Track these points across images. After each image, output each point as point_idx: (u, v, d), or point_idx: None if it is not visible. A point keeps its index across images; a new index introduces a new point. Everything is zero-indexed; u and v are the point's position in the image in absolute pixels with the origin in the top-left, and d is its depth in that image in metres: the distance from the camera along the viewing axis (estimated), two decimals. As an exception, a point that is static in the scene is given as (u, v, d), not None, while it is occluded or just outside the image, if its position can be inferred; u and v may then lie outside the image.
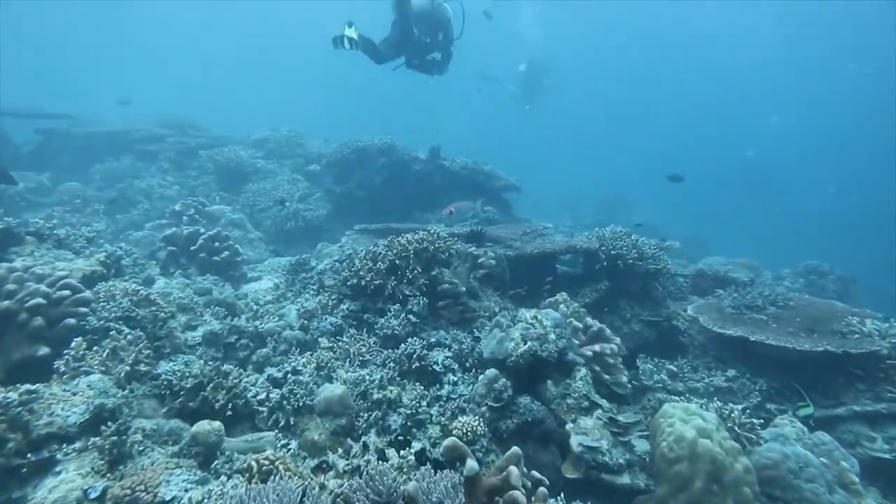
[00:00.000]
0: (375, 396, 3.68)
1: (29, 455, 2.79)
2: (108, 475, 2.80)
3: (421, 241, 4.84)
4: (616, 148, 50.12)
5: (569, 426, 3.68)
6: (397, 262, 4.78)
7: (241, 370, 4.04)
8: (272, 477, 2.83)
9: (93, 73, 47.56)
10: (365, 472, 2.73)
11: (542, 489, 2.41)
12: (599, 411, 3.85)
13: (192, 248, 6.32)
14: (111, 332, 3.87)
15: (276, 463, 2.95)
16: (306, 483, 2.84)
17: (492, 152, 17.24)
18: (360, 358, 4.19)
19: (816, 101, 43.89)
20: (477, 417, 3.58)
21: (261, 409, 3.67)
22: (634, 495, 3.43)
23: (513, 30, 31.41)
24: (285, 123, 13.93)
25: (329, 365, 4.06)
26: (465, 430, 3.44)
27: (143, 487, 2.67)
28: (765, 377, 5.01)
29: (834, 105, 43.89)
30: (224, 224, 8.64)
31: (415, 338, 4.33)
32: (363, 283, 4.75)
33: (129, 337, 3.90)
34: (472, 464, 2.44)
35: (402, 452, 3.20)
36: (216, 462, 3.05)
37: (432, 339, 4.43)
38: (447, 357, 4.23)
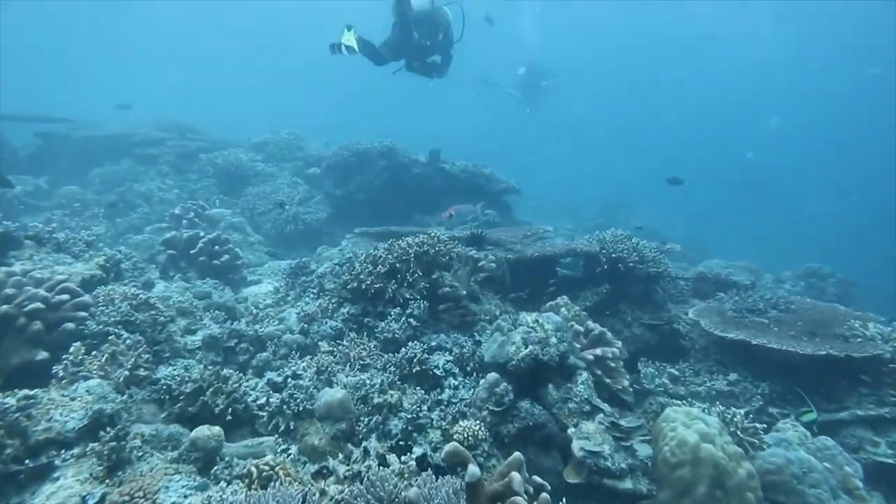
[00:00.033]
0: (376, 401, 3.66)
1: (27, 461, 2.77)
2: (107, 481, 2.78)
3: (421, 244, 4.83)
4: (616, 150, 50.15)
5: (570, 430, 3.66)
6: (398, 265, 4.76)
7: (241, 374, 4.02)
8: (272, 483, 2.81)
9: (92, 76, 47.71)
10: (366, 478, 2.71)
11: (544, 494, 2.39)
12: (601, 415, 3.83)
13: (191, 251, 6.30)
14: (110, 337, 3.86)
15: (277, 468, 2.94)
16: (307, 489, 2.82)
17: (492, 155, 17.29)
18: (361, 362, 4.17)
19: (816, 103, 43.86)
20: (478, 422, 3.56)
21: (261, 413, 3.65)
22: (637, 500, 3.41)
23: (513, 33, 31.42)
24: (285, 126, 13.94)
25: (329, 369, 4.05)
26: (466, 435, 3.42)
27: (141, 494, 2.65)
28: (767, 381, 4.98)
29: (833, 106, 43.84)
30: (224, 227, 8.63)
31: (415, 342, 4.31)
32: (363, 287, 4.73)
33: (128, 341, 3.88)
34: (473, 469, 2.42)
35: (403, 458, 3.17)
36: (216, 468, 3.03)
37: (433, 343, 4.41)
38: (448, 361, 4.22)
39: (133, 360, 3.71)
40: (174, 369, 3.95)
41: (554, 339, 4.10)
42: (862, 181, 41.50)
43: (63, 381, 3.41)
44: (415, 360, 4.05)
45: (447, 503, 2.35)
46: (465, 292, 5.02)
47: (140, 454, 3.02)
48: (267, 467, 2.93)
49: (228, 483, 2.92)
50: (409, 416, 3.56)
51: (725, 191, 35.48)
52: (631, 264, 5.97)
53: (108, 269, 5.16)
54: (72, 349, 3.62)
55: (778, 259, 15.00)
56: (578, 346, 4.54)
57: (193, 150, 12.04)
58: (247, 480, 2.89)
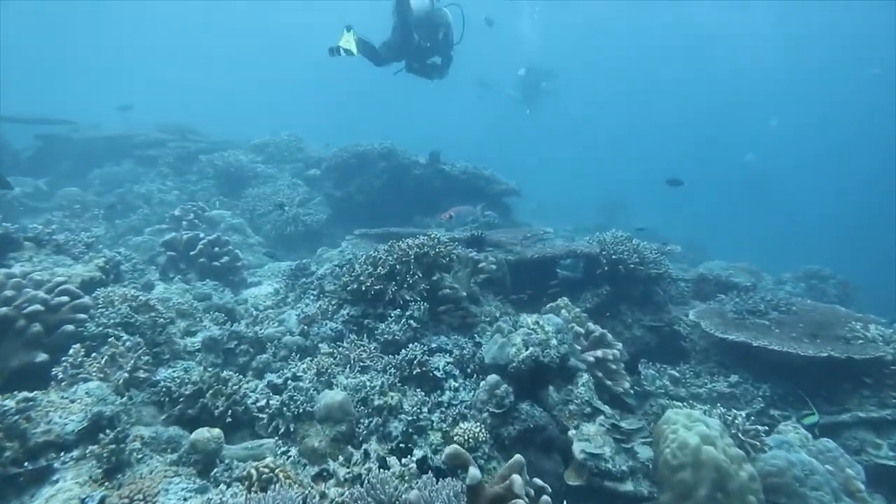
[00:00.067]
0: (376, 403, 3.65)
1: (26, 464, 2.76)
2: (106, 484, 2.77)
3: (422, 245, 4.82)
4: (615, 151, 50.23)
5: (571, 433, 3.65)
6: (398, 266, 4.75)
7: (241, 376, 4.01)
8: (272, 485, 2.81)
9: (93, 78, 47.74)
10: (366, 481, 2.70)
11: (545, 497, 2.38)
12: (602, 417, 3.82)
13: (191, 253, 6.30)
14: (110, 339, 3.85)
15: (277, 471, 2.93)
16: (307, 492, 2.81)
17: (491, 156, 17.28)
18: (361, 364, 4.16)
19: (816, 103, 43.89)
20: (478, 424, 3.55)
21: (261, 415, 3.63)
22: (638, 503, 3.40)
23: (513, 34, 31.45)
24: (285, 128, 13.94)
25: (329, 371, 4.03)
26: (466, 437, 3.42)
27: (141, 497, 2.64)
28: (768, 383, 4.97)
29: (833, 106, 43.88)
30: (224, 229, 8.62)
31: (415, 343, 4.30)
32: (364, 288, 4.72)
33: (127, 343, 3.88)
34: (474, 472, 2.41)
35: (403, 460, 3.17)
36: (215, 470, 3.02)
37: (433, 345, 4.40)
38: (448, 363, 4.21)
39: (133, 362, 3.70)
40: (174, 371, 3.94)
41: (554, 341, 4.09)
42: (862, 182, 41.53)
43: (62, 384, 3.40)
44: (415, 361, 4.04)
45: (448, 506, 2.34)
46: (465, 294, 5.01)
47: (139, 456, 3.01)
48: (267, 470, 2.92)
49: (228, 485, 2.91)
50: (410, 418, 3.55)
51: (725, 192, 35.51)
52: (631, 266, 5.97)
53: (107, 271, 5.15)
54: (71, 351, 3.61)
55: (778, 260, 14.97)
56: (579, 347, 4.53)
57: (193, 151, 12.05)
58: (247, 483, 2.88)
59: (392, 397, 3.70)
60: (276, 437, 3.48)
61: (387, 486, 2.61)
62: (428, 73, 7.55)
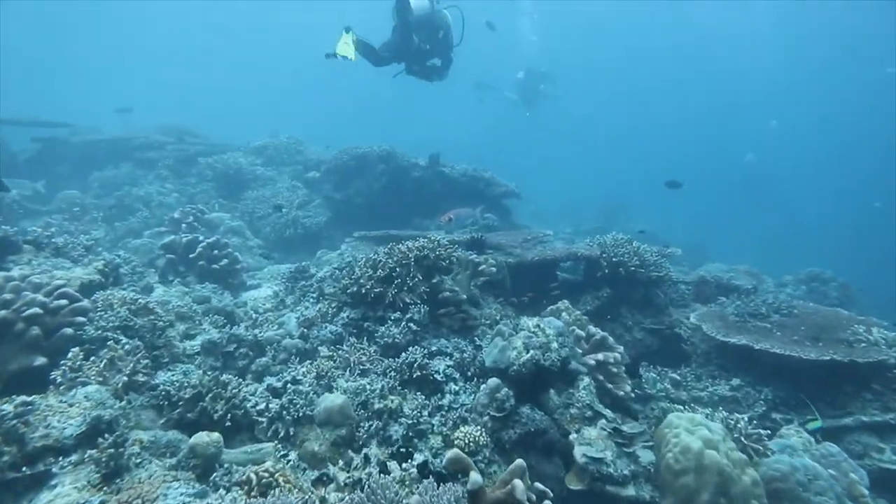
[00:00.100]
0: (376, 406, 3.63)
1: (24, 468, 2.75)
2: (105, 489, 2.75)
3: (422, 248, 4.81)
4: (615, 153, 50.27)
5: (572, 436, 3.63)
6: (398, 269, 4.73)
7: (241, 380, 3.99)
8: (272, 490, 2.79)
9: (93, 79, 47.78)
10: (367, 486, 2.68)
11: (546, 502, 2.37)
12: (603, 421, 3.80)
13: (190, 255, 6.27)
14: (109, 342, 3.82)
15: (276, 475, 2.91)
16: (307, 497, 2.80)
17: (491, 159, 17.27)
18: (361, 367, 4.15)
19: (817, 104, 43.94)
20: (479, 427, 3.54)
21: (260, 419, 3.62)
22: (640, 507, 3.38)
23: (513, 36, 31.49)
24: (285, 130, 13.93)
25: (329, 374, 4.02)
26: (467, 441, 3.40)
27: (139, 502, 2.62)
28: (769, 386, 4.95)
29: (833, 106, 43.91)
30: (223, 231, 8.60)
31: (416, 346, 4.28)
32: (363, 291, 4.70)
33: (126, 347, 3.86)
34: (475, 477, 2.40)
35: (404, 465, 3.15)
36: (215, 475, 3.00)
37: (433, 348, 4.38)
38: (448, 366, 4.19)
39: (132, 365, 3.69)
40: (173, 375, 3.93)
41: (555, 344, 4.08)
42: (862, 183, 41.54)
43: (61, 387, 3.38)
44: (415, 365, 4.03)
45: (449, 511, 2.33)
46: (465, 296, 4.99)
47: (138, 461, 2.99)
48: (266, 474, 2.90)
49: (227, 490, 2.89)
50: (410, 421, 3.54)
51: (725, 193, 35.52)
52: (632, 268, 5.95)
53: (106, 274, 5.13)
54: (70, 355, 3.59)
55: (778, 262, 14.98)
56: (580, 351, 4.51)
57: (193, 153, 12.03)
58: (246, 487, 2.86)
59: (392, 401, 3.68)
60: (276, 441, 3.47)
61: (387, 492, 2.59)
62: (428, 74, 7.54)
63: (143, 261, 6.55)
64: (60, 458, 2.87)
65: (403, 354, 4.14)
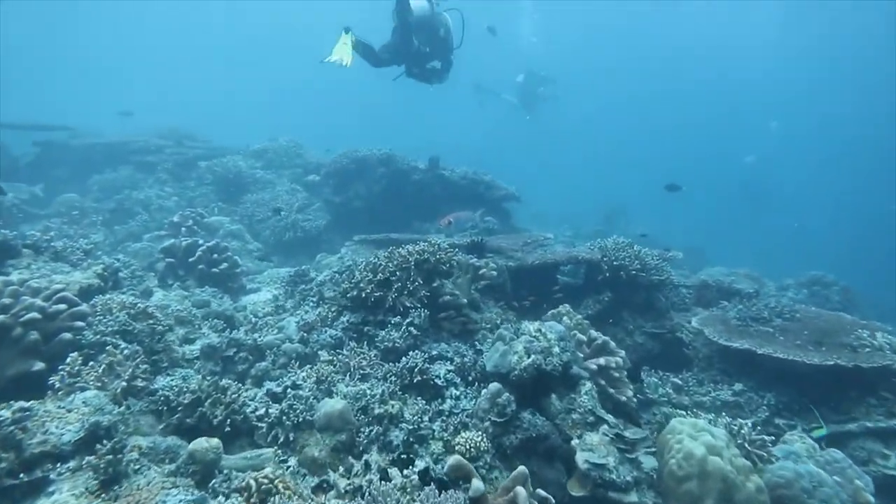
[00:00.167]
0: (377, 411, 3.60)
1: (22, 475, 2.71)
2: (103, 496, 2.72)
3: (422, 252, 4.78)
4: (615, 156, 50.27)
5: (574, 442, 3.60)
6: (398, 273, 4.71)
7: (240, 384, 3.97)
8: (271, 497, 2.76)
9: (92, 83, 47.80)
10: (368, 493, 2.65)
11: (550, 510, 2.34)
12: (605, 427, 3.77)
13: (190, 259, 6.25)
14: (108, 347, 3.80)
15: (276, 482, 2.88)
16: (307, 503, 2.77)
17: (491, 162, 17.26)
18: (361, 371, 4.12)
19: (816, 106, 43.94)
20: (480, 433, 3.51)
21: (260, 424, 3.59)
22: (643, 514, 3.35)
23: (513, 38, 31.53)
24: (284, 133, 13.92)
25: (329, 379, 3.99)
26: (468, 447, 3.37)
27: (138, 509, 2.59)
28: (772, 391, 4.93)
29: (833, 106, 43.91)
30: (223, 235, 8.58)
31: (416, 351, 4.25)
32: (363, 295, 4.68)
33: (125, 351, 3.83)
34: (477, 484, 2.38)
35: (405, 471, 3.11)
36: (214, 481, 2.97)
37: (434, 352, 4.35)
38: (449, 370, 4.16)
39: (131, 370, 3.66)
40: (172, 380, 3.89)
41: (557, 349, 4.05)
42: (862, 185, 41.55)
43: (59, 393, 3.35)
44: (416, 369, 4.00)
45: (451, 519, 2.30)
46: (465, 300, 4.96)
47: (137, 467, 2.96)
48: (266, 480, 2.87)
49: (227, 497, 2.86)
50: (411, 427, 3.51)
51: (724, 197, 35.49)
52: (633, 272, 5.94)
53: (106, 278, 5.11)
54: (69, 360, 3.56)
55: (777, 266, 14.96)
56: (581, 355, 4.49)
57: (192, 157, 12.03)
58: (245, 494, 2.83)
59: (393, 406, 3.65)
60: (276, 447, 3.44)
61: (389, 499, 2.56)
62: (428, 77, 7.53)
63: (143, 265, 6.53)
64: (58, 465, 2.84)
65: (404, 359, 4.10)
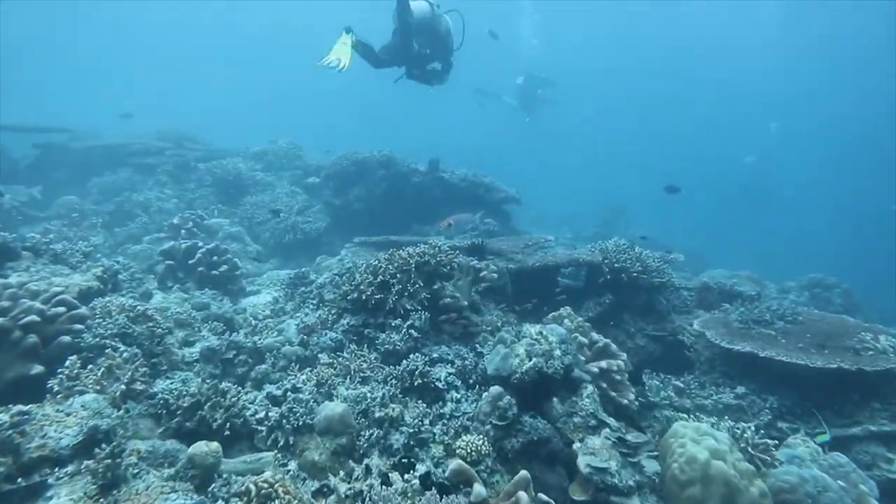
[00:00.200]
0: (377, 414, 3.59)
1: (19, 480, 2.69)
2: (101, 500, 2.70)
3: (422, 254, 4.77)
4: (615, 158, 50.24)
5: (576, 446, 3.58)
6: (398, 275, 4.69)
7: (240, 387, 3.95)
8: (271, 501, 2.74)
9: (92, 85, 47.81)
10: (368, 498, 2.63)
11: (552, 515, 2.32)
12: (607, 430, 3.74)
13: (190, 261, 6.24)
14: (107, 350, 3.78)
15: (276, 486, 2.85)
16: (307, 508, 2.74)
17: (491, 164, 17.25)
18: (361, 374, 4.10)
19: (816, 107, 43.93)
20: (481, 436, 3.49)
21: (259, 428, 3.57)
22: (645, 518, 3.33)
23: (513, 43, 31.53)
24: (284, 135, 13.91)
25: (329, 382, 3.97)
26: (469, 450, 3.36)
27: (137, 514, 2.57)
28: (775, 394, 4.90)
29: (834, 107, 43.89)
30: (222, 237, 8.57)
31: (417, 354, 4.24)
32: (364, 298, 4.66)
33: (125, 354, 3.81)
34: (479, 489, 2.36)
35: (406, 476, 3.09)
36: (213, 485, 2.95)
37: (434, 355, 4.33)
38: (450, 373, 4.14)
39: (130, 373, 3.64)
40: (172, 383, 3.88)
41: (558, 352, 4.03)
42: (862, 186, 41.53)
43: (58, 396, 3.33)
44: (416, 372, 3.98)
45: (453, 525, 2.28)
46: (466, 303, 4.95)
47: (136, 472, 2.94)
48: (266, 485, 2.84)
49: (226, 501, 2.84)
50: (411, 430, 3.50)
51: (724, 198, 35.49)
52: (634, 274, 5.92)
53: (105, 281, 5.09)
54: (67, 363, 3.55)
55: (778, 268, 14.96)
56: (583, 358, 4.47)
57: (191, 159, 12.01)
58: (245, 499, 2.80)
59: (393, 409, 3.64)
60: (276, 451, 3.42)
61: None
62: (428, 79, 7.52)
63: (142, 267, 6.51)
64: (57, 469, 2.82)
65: (404, 362, 4.09)
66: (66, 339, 3.85)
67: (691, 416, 4.42)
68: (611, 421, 3.88)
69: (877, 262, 26.61)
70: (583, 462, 3.42)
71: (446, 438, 3.53)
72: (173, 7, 41.72)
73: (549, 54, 33.95)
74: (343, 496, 2.97)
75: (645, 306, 6.06)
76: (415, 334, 4.44)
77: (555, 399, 3.91)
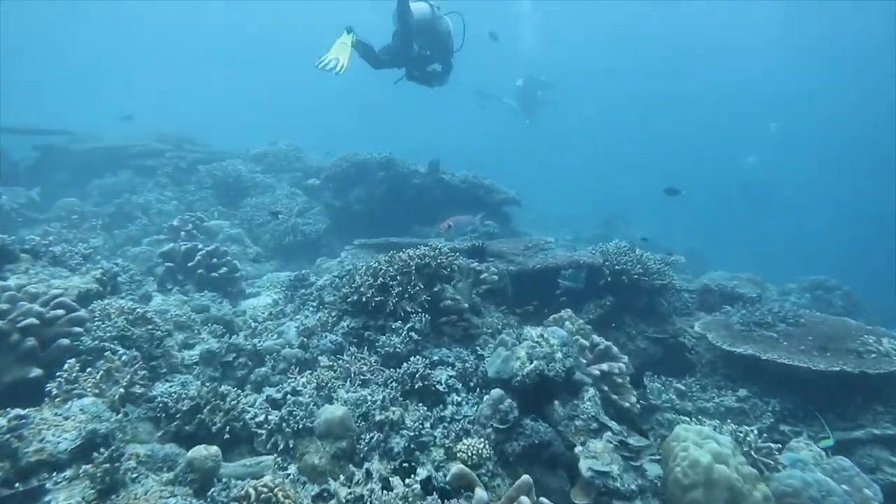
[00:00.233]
0: (377, 418, 3.57)
1: (17, 485, 2.67)
2: (100, 505, 2.68)
3: (423, 256, 4.74)
4: (615, 160, 50.25)
5: (578, 449, 3.56)
6: (399, 277, 4.67)
7: (239, 391, 3.93)
8: (271, 506, 2.72)
9: (92, 87, 47.82)
10: (369, 503, 2.61)
11: (554, 520, 2.30)
12: (609, 434, 3.73)
13: (189, 263, 6.22)
14: (106, 353, 3.76)
15: (276, 490, 2.84)
16: (307, 513, 2.72)
17: (491, 166, 17.25)
18: (361, 377, 4.08)
19: (816, 107, 43.92)
20: (482, 440, 3.47)
21: (259, 431, 3.55)
22: (647, 522, 3.31)
23: (513, 44, 31.52)
24: (284, 137, 13.92)
25: (329, 385, 3.95)
26: (469, 454, 3.34)
27: (135, 519, 2.55)
28: (776, 397, 4.88)
29: (834, 107, 43.88)
30: (222, 239, 8.56)
31: (417, 356, 4.21)
32: (364, 300, 4.63)
33: (124, 357, 3.78)
34: (481, 494, 2.34)
35: (407, 480, 3.07)
36: (213, 489, 2.93)
37: (435, 358, 4.31)
38: (451, 376, 4.11)
39: (129, 376, 3.62)
40: (171, 386, 3.86)
41: (560, 354, 4.01)
42: (863, 188, 41.53)
43: (56, 400, 3.31)
44: (417, 375, 3.96)
45: (454, 530, 2.26)
46: (467, 305, 4.92)
47: (134, 476, 2.92)
48: (266, 489, 2.82)
49: (226, 506, 2.82)
50: (412, 433, 3.47)
51: (724, 200, 35.48)
52: (635, 276, 5.91)
53: (104, 283, 5.07)
54: (66, 366, 3.52)
55: (778, 269, 14.94)
56: (584, 361, 4.45)
57: (192, 161, 12.00)
58: (245, 503, 2.79)
59: (394, 412, 3.62)
60: (275, 454, 3.40)
61: (390, 508, 2.52)
62: (428, 80, 7.51)
63: (142, 269, 6.50)
64: (55, 474, 2.80)
65: (405, 364, 4.07)
66: (65, 341, 3.83)
67: (693, 419, 4.40)
68: (612, 424, 3.86)
69: (877, 262, 26.60)
70: (585, 466, 3.41)
71: (447, 442, 3.51)
72: (173, 7, 41.72)
73: (549, 55, 33.96)
74: (343, 501, 2.95)
75: (646, 308, 6.04)
76: (415, 337, 4.41)
77: (556, 402, 3.89)
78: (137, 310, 4.44)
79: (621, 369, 4.46)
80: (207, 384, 3.75)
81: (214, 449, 3.08)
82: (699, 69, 43.56)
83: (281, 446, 3.43)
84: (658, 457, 3.58)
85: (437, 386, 3.99)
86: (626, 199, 26.71)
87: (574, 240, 14.30)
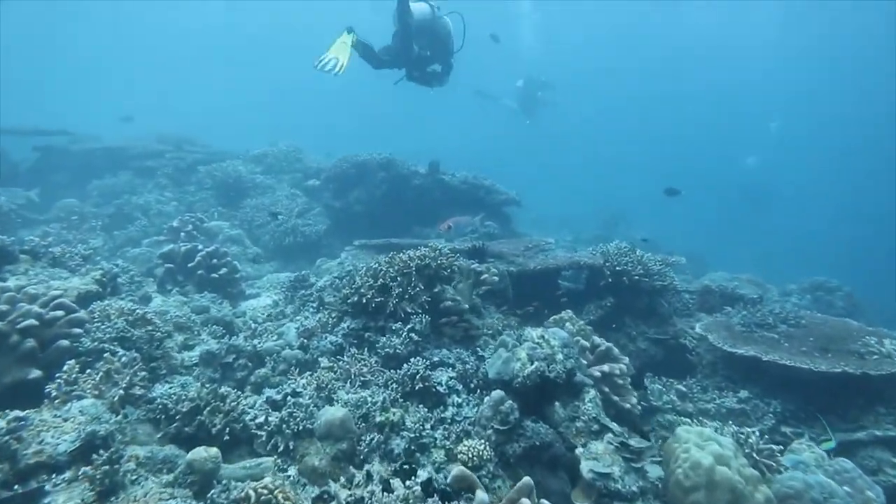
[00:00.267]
0: (378, 419, 3.56)
1: (16, 487, 2.66)
2: (99, 508, 2.67)
3: (423, 257, 4.73)
4: (615, 160, 50.24)
5: (578, 450, 3.55)
6: (399, 278, 4.66)
7: (239, 392, 3.92)
8: (271, 508, 2.71)
9: (92, 87, 47.83)
10: (369, 505, 2.60)
11: (555, 523, 2.29)
12: (610, 435, 3.72)
13: (189, 264, 6.21)
14: (105, 354, 3.75)
15: (276, 492, 2.83)
16: (307, 515, 2.71)
17: (491, 167, 17.25)
18: (362, 378, 4.07)
19: (816, 107, 43.91)
20: (483, 441, 3.46)
21: (259, 433, 3.54)
22: (648, 524, 3.30)
23: (513, 45, 31.52)
24: (284, 138, 13.91)
25: (329, 386, 3.93)
26: (470, 455, 3.33)
27: (135, 521, 2.54)
28: (778, 399, 4.87)
29: (834, 107, 43.87)
30: (222, 240, 8.55)
31: (417, 357, 4.20)
32: (364, 301, 4.62)
33: (123, 359, 3.77)
34: (482, 496, 2.33)
35: (407, 482, 3.06)
36: (212, 491, 2.91)
37: (435, 359, 4.29)
38: (451, 377, 4.10)
39: (128, 378, 3.61)
40: (170, 387, 3.85)
41: (560, 356, 4.00)
42: (863, 188, 41.52)
43: (56, 401, 3.30)
44: (417, 376, 3.95)
45: (455, 533, 2.25)
46: (467, 306, 4.91)
47: (134, 478, 2.91)
48: (266, 491, 2.81)
49: (225, 508, 2.81)
50: (412, 435, 3.47)
51: (724, 200, 35.47)
52: (636, 277, 5.89)
53: (104, 284, 5.05)
54: (66, 367, 3.51)
55: (779, 270, 14.95)
56: (585, 362, 4.44)
57: (191, 162, 12.01)
58: (244, 505, 2.78)
59: (394, 413, 3.61)
60: (275, 456, 3.39)
61: (391, 511, 2.51)
62: (428, 80, 7.51)
63: (142, 270, 6.49)
64: (54, 476, 2.79)
65: (405, 366, 4.05)
66: (65, 343, 3.82)
67: (694, 420, 4.39)
68: (613, 425, 3.85)
69: (877, 262, 26.59)
70: (586, 467, 3.40)
71: (448, 443, 3.50)
72: (173, 7, 41.75)
73: (549, 55, 33.97)
74: (344, 503, 2.95)
75: (646, 309, 6.03)
76: (415, 338, 4.40)
77: (557, 403, 3.88)
78: (137, 311, 4.43)
79: (622, 370, 4.45)
80: (207, 385, 3.73)
81: (214, 450, 3.07)
82: (699, 69, 43.56)
83: (281, 448, 3.42)
84: (659, 458, 3.57)
85: (438, 387, 3.98)
86: (626, 200, 26.69)
87: (574, 240, 14.28)
